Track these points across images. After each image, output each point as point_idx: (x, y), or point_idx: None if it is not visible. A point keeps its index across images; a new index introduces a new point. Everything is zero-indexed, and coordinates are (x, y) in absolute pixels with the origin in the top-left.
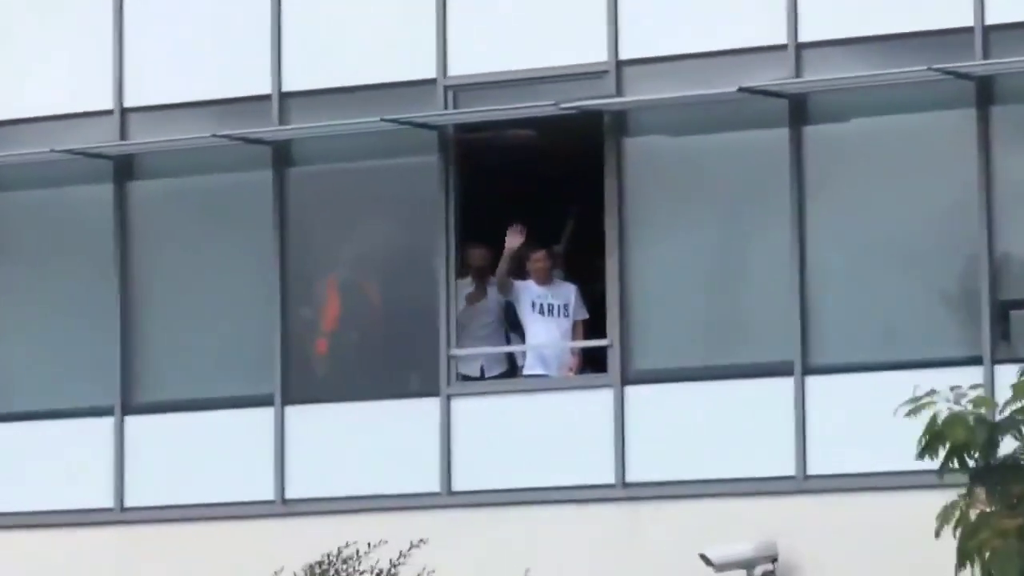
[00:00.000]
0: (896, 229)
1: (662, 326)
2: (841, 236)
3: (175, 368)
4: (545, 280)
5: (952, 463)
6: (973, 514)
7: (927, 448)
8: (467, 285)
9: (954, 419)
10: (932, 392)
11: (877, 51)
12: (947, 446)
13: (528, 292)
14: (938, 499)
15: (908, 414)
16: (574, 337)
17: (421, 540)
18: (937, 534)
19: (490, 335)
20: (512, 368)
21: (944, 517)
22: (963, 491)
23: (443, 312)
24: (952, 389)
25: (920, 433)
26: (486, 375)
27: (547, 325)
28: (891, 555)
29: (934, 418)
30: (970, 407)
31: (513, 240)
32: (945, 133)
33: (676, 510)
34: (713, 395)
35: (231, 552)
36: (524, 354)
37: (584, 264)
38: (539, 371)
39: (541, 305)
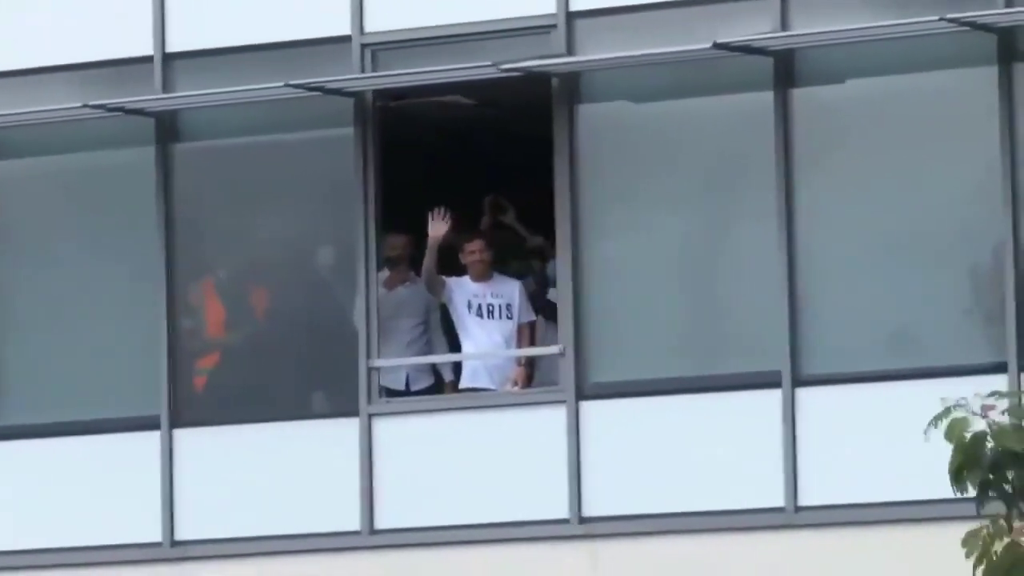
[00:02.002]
0: (902, 212)
1: (623, 330)
2: (837, 221)
3: (38, 386)
4: (483, 275)
5: (996, 482)
6: (999, 546)
7: (961, 474)
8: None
9: (995, 433)
10: (960, 405)
11: None
12: (984, 466)
13: (463, 290)
14: (955, 533)
15: (949, 435)
16: (519, 343)
17: None
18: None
19: (416, 340)
20: (438, 381)
21: (968, 547)
22: (988, 520)
23: (363, 315)
24: (989, 397)
25: (951, 454)
26: (411, 388)
27: (487, 329)
28: None
29: (961, 437)
30: (1003, 418)
31: (436, 229)
32: (961, 96)
33: (643, 550)
34: (686, 412)
35: None
36: (452, 366)
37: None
38: (478, 384)
39: (479, 305)
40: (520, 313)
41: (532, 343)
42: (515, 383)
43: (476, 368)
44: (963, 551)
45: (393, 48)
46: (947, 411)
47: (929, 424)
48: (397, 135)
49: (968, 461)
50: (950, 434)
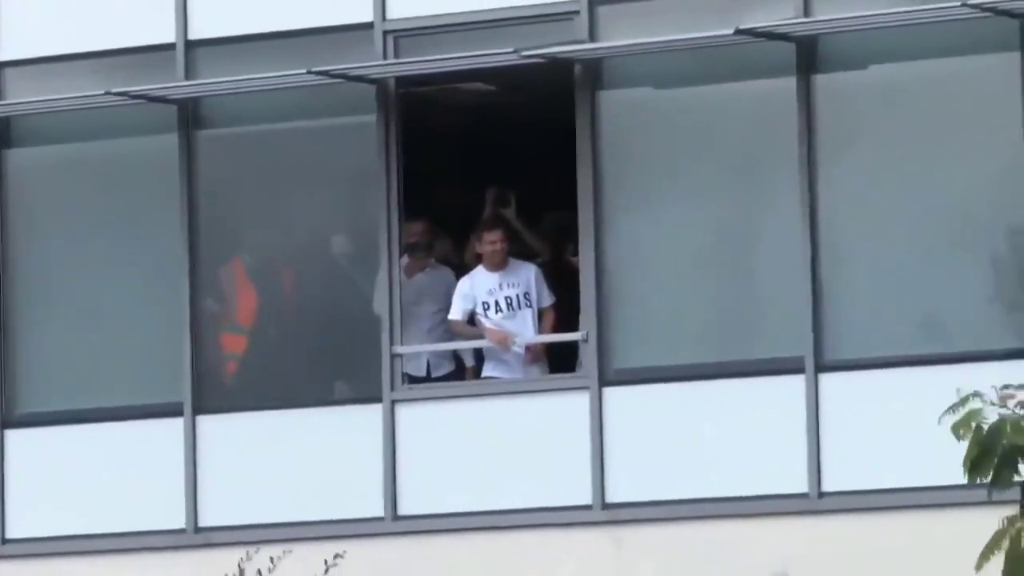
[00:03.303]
0: (925, 198)
1: (646, 316)
2: (860, 206)
3: (63, 373)
4: (500, 265)
5: (1007, 476)
6: None
7: (977, 466)
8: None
9: (1011, 424)
10: (976, 395)
11: None
12: (999, 456)
13: (480, 286)
14: (979, 520)
15: (957, 426)
16: (542, 328)
17: (338, 555)
18: (979, 567)
19: (437, 326)
20: (459, 368)
21: (991, 547)
22: (1015, 514)
23: (386, 302)
24: (1002, 388)
25: (967, 446)
26: (432, 374)
27: (508, 322)
28: None
29: (979, 428)
30: (1021, 411)
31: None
32: (984, 82)
33: (666, 536)
34: (709, 398)
35: None
36: (473, 352)
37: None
38: (500, 373)
39: (496, 302)
40: (539, 297)
41: (555, 326)
42: (534, 361)
43: (497, 363)
44: (986, 539)
45: (415, 35)
46: (964, 400)
47: (944, 413)
48: (419, 122)
49: (984, 454)
50: (964, 424)
